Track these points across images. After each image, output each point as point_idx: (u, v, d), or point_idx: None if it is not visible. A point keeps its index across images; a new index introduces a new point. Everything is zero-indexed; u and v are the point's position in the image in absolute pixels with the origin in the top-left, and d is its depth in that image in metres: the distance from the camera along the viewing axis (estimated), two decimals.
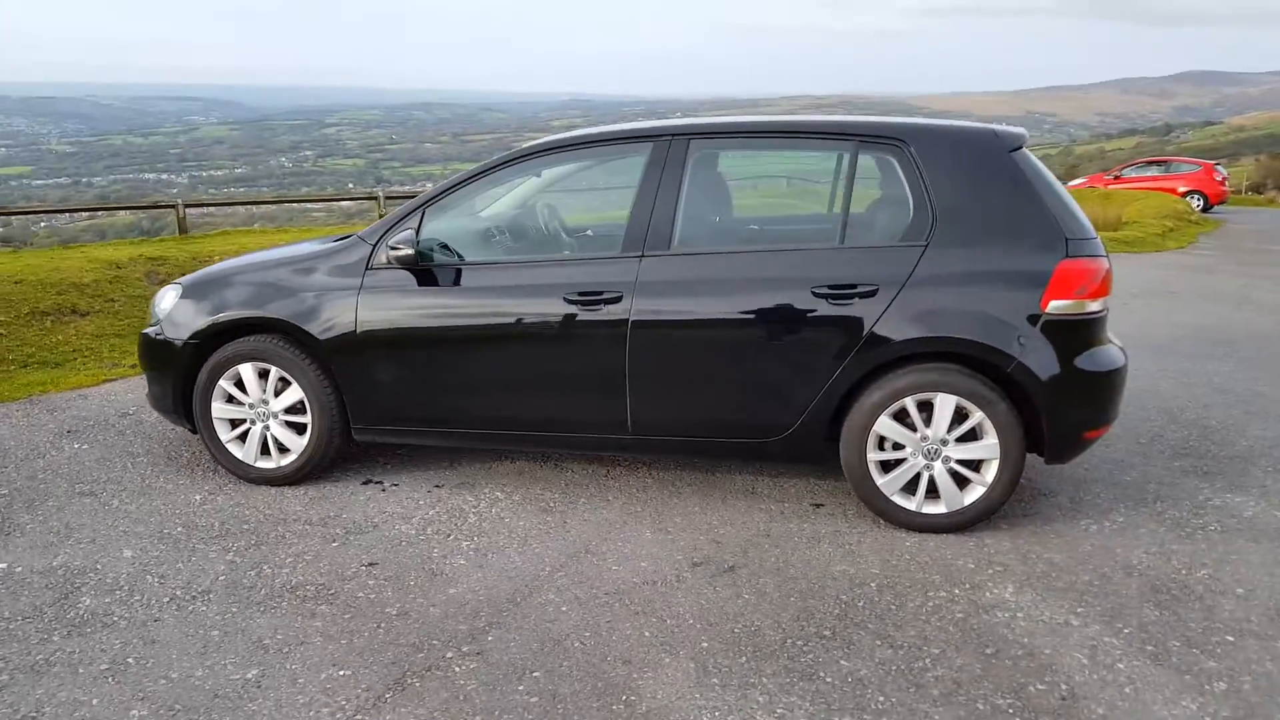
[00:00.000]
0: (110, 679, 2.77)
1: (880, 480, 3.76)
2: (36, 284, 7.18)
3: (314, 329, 4.03)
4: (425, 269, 3.98)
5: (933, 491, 3.74)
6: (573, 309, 3.81)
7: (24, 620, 3.10)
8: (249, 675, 2.79)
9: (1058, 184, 4.05)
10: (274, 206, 27.25)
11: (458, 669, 2.83)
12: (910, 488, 3.76)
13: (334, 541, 3.69)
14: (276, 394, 4.15)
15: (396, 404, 4.08)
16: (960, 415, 3.66)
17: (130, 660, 2.87)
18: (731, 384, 3.81)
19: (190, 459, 4.56)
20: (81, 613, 3.14)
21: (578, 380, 3.90)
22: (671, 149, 3.90)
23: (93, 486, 4.22)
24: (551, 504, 4.04)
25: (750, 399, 3.81)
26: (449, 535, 3.74)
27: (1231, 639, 3.00)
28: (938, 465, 3.72)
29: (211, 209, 22.12)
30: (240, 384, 4.17)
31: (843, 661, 2.87)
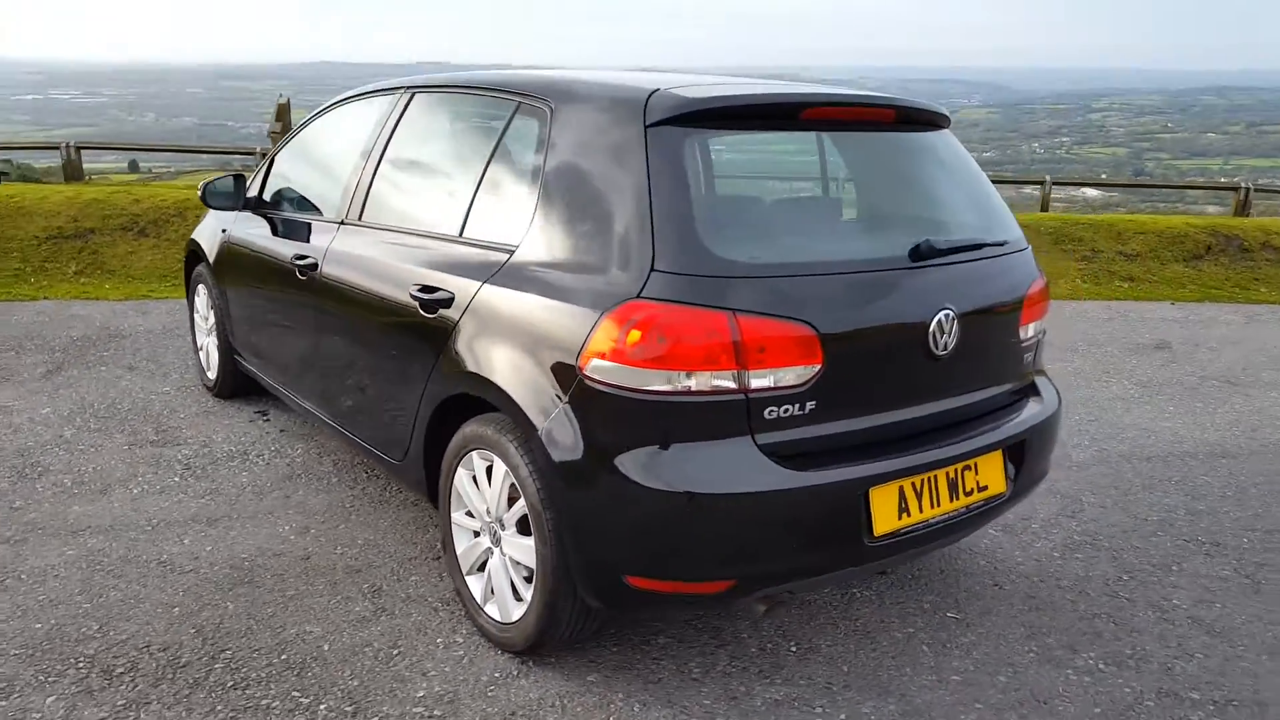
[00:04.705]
0: None
1: (460, 549, 2.86)
2: None
3: (212, 259, 4.43)
4: (266, 215, 4.08)
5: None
6: (293, 272, 3.58)
7: None
8: None
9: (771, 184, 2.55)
10: None
11: None
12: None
13: (132, 446, 4.13)
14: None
15: (239, 340, 4.32)
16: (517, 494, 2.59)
17: None
18: (368, 387, 3.24)
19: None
20: None
21: (300, 348, 3.68)
22: (395, 105, 3.39)
23: (107, 362, 5.29)
24: (304, 476, 3.89)
25: (378, 410, 3.19)
26: (187, 470, 3.90)
27: None
28: (496, 554, 2.70)
29: None
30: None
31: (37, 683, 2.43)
